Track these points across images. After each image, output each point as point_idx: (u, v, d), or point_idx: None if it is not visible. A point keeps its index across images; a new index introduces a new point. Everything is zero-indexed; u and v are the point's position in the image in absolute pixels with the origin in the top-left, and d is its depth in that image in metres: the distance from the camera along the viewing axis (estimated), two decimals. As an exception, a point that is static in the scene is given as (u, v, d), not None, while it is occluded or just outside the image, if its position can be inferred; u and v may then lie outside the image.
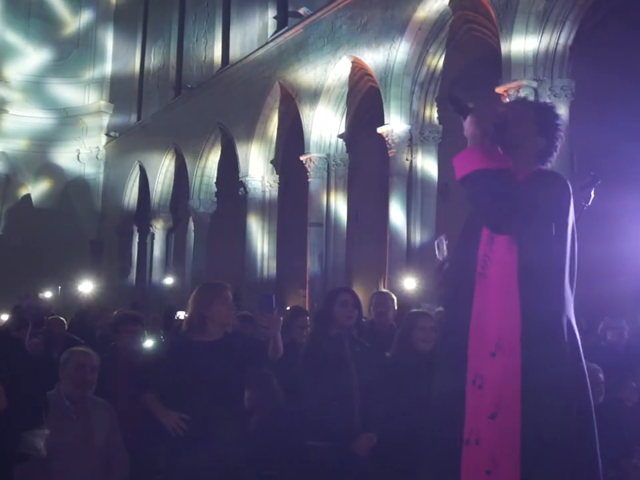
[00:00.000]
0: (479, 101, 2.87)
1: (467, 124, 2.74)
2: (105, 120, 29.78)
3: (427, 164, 15.38)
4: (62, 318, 7.82)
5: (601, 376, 5.50)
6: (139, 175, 27.09)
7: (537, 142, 2.84)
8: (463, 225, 2.94)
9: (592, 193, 3.82)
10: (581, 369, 2.69)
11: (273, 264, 19.75)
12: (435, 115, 15.58)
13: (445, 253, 2.93)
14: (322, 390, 4.35)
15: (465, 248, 2.80)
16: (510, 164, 2.72)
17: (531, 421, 2.52)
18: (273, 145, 19.94)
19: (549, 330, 2.62)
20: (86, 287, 21.86)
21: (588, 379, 2.69)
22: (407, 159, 15.36)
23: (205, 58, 23.38)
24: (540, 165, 2.85)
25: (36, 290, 6.25)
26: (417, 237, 15.13)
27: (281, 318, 4.19)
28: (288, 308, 16.22)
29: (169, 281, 23.14)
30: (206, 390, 3.91)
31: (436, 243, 3.00)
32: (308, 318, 5.55)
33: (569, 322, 2.70)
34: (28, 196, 29.38)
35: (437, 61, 15.28)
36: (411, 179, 15.32)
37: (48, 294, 18.65)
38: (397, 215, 15.11)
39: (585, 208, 3.71)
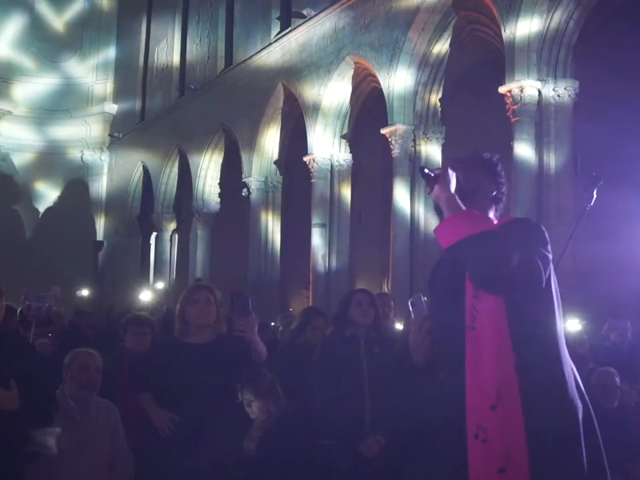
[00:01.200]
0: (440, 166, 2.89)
1: (438, 190, 2.72)
2: (109, 121, 29.82)
3: (431, 164, 15.35)
4: (61, 312, 7.80)
5: (617, 379, 5.47)
6: (142, 175, 27.13)
7: (490, 188, 2.91)
8: (434, 279, 2.90)
9: (594, 192, 3.81)
10: (587, 408, 2.63)
11: (277, 264, 19.74)
12: (439, 115, 15.58)
13: (425, 312, 2.80)
14: (331, 390, 4.37)
15: (449, 302, 2.74)
16: (493, 223, 2.73)
17: (542, 471, 2.48)
18: (277, 146, 19.94)
19: (546, 373, 2.58)
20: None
21: (594, 416, 2.64)
22: (410, 160, 15.36)
23: (209, 59, 23.39)
24: (494, 210, 2.91)
25: (38, 290, 6.23)
26: (421, 238, 15.11)
27: (257, 321, 4.11)
28: (291, 309, 16.25)
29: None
30: (193, 391, 3.92)
31: (410, 302, 2.83)
32: (324, 320, 5.50)
33: (565, 361, 2.64)
34: (31, 196, 29.42)
35: (440, 61, 15.28)
36: (415, 180, 15.29)
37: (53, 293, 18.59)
38: (400, 215, 15.10)
39: (588, 208, 3.71)
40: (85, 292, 21.62)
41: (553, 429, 2.50)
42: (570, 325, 7.99)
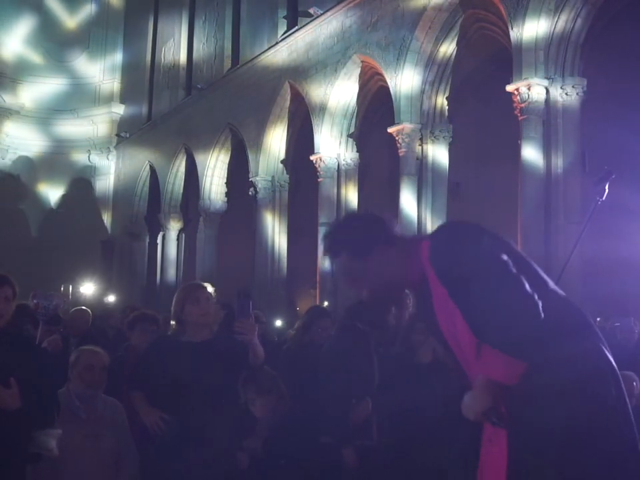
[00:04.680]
0: None
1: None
2: (116, 121, 29.86)
3: (438, 163, 15.33)
4: (85, 310, 7.60)
5: (635, 384, 5.41)
6: (149, 175, 27.16)
7: (376, 249, 2.53)
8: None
9: (606, 187, 3.77)
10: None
11: (284, 264, 19.73)
12: (446, 114, 15.54)
13: None
14: (342, 384, 4.36)
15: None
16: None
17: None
18: (283, 145, 19.94)
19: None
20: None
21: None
22: (417, 158, 15.32)
23: (215, 58, 23.40)
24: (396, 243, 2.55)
25: (46, 289, 6.24)
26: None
27: (257, 324, 4.08)
28: (298, 308, 16.27)
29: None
30: (188, 390, 3.89)
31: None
32: (329, 320, 5.47)
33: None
34: (39, 196, 29.49)
35: (448, 60, 15.24)
36: (422, 178, 15.27)
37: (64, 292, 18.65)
38: (407, 214, 15.07)
39: (599, 202, 3.67)
40: (88, 289, 21.67)
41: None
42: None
